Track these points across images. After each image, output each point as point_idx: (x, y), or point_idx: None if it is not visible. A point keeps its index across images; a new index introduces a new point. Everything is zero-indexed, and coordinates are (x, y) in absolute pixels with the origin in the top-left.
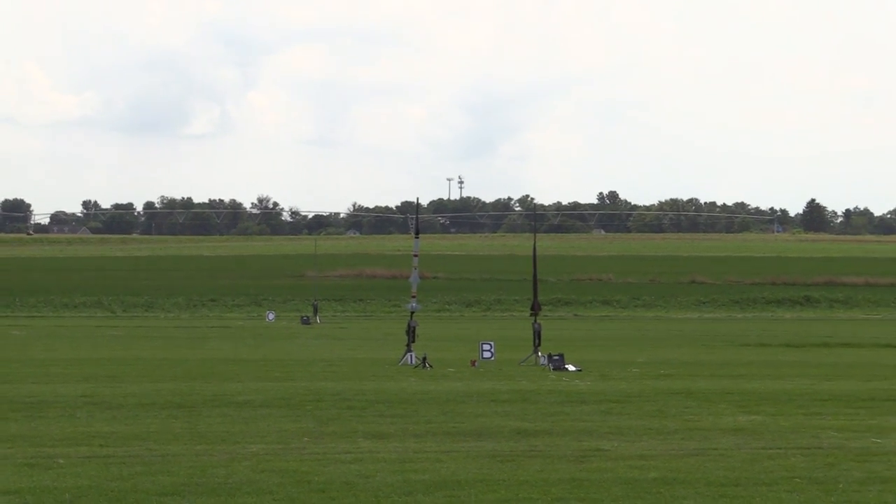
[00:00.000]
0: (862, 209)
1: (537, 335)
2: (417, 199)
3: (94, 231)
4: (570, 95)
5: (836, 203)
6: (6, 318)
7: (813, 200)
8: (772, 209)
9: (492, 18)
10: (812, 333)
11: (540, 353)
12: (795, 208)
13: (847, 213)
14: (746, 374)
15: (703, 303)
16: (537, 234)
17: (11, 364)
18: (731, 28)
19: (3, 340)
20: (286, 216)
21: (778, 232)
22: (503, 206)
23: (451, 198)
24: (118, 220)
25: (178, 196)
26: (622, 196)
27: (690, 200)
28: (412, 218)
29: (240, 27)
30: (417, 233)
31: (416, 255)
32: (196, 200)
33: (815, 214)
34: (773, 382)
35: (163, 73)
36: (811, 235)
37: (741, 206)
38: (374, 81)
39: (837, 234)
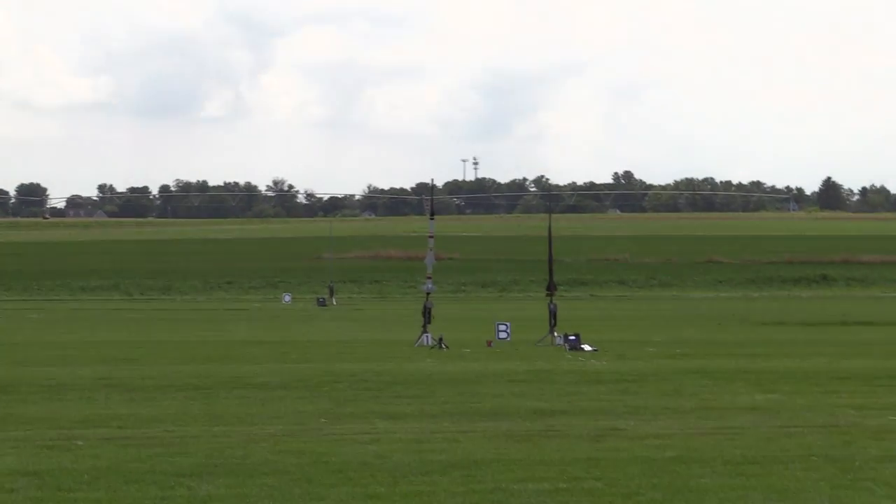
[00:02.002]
0: (878, 187)
1: (553, 315)
2: (432, 180)
3: (111, 214)
4: (585, 75)
5: (853, 181)
6: (24, 301)
7: (829, 178)
8: (788, 188)
9: None
10: (829, 312)
11: (556, 334)
12: (811, 187)
13: (863, 190)
14: (763, 353)
15: (720, 282)
16: (553, 215)
17: (30, 347)
18: (746, 5)
19: (21, 324)
20: (301, 198)
21: (794, 210)
22: (518, 186)
23: (467, 179)
24: (134, 203)
25: (193, 179)
26: (637, 176)
27: (706, 180)
28: (427, 199)
29: (253, 10)
30: (433, 214)
31: (431, 237)
32: (211, 183)
33: (831, 192)
34: (789, 361)
35: (177, 56)
36: (827, 214)
37: (757, 185)
38: (388, 63)
39: (854, 212)
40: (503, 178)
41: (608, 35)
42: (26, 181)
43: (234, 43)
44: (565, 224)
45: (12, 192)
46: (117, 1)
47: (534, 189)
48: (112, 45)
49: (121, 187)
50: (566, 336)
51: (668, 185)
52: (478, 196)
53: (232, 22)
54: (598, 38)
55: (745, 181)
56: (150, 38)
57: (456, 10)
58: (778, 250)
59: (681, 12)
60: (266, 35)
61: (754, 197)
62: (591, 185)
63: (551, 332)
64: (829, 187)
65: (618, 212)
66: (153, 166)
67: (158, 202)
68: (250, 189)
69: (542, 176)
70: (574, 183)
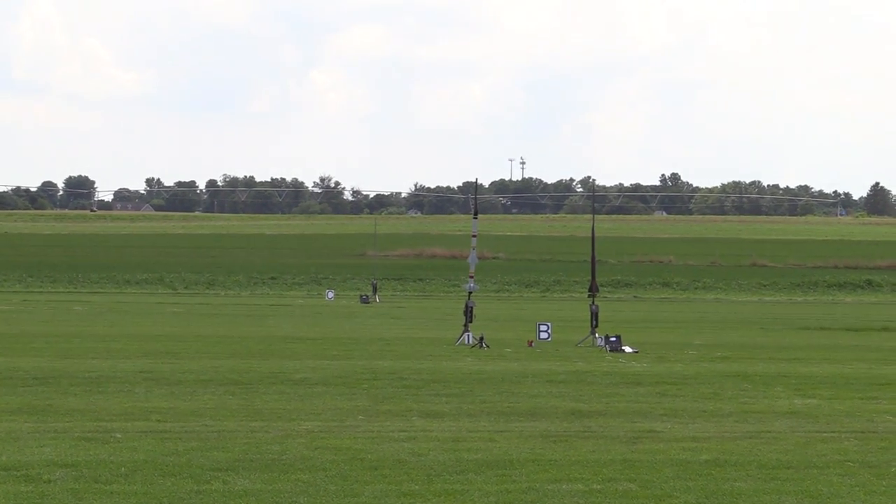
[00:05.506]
0: None
1: (594, 316)
2: (476, 179)
3: (157, 208)
4: (633, 75)
5: None
6: (69, 293)
7: (877, 184)
8: (835, 192)
9: None
10: (873, 317)
11: (597, 335)
12: (859, 192)
13: None
14: (804, 358)
15: (764, 286)
16: (598, 216)
17: (73, 339)
18: (794, 7)
19: (65, 316)
20: (348, 195)
21: (841, 215)
22: (565, 187)
23: (513, 178)
24: (181, 197)
25: (240, 174)
26: (684, 178)
27: (753, 183)
28: (473, 198)
29: (302, 5)
30: (476, 213)
31: (474, 236)
32: (258, 179)
33: (879, 198)
34: (830, 366)
35: (225, 51)
36: (875, 219)
37: (804, 189)
38: (436, 60)
39: None
40: (550, 178)
41: (657, 35)
42: (74, 174)
43: (282, 38)
44: (610, 225)
45: (60, 185)
46: None
47: (580, 189)
48: (160, 38)
49: (168, 181)
50: (607, 337)
51: (715, 187)
52: (524, 196)
53: (281, 17)
54: (647, 38)
55: (792, 185)
56: (198, 32)
57: (505, 7)
58: (824, 255)
59: (730, 13)
60: (315, 30)
61: (801, 201)
62: (638, 187)
63: (592, 333)
64: (877, 192)
65: (664, 214)
66: (200, 161)
67: (205, 197)
68: (297, 185)
69: (589, 176)
70: (621, 184)
